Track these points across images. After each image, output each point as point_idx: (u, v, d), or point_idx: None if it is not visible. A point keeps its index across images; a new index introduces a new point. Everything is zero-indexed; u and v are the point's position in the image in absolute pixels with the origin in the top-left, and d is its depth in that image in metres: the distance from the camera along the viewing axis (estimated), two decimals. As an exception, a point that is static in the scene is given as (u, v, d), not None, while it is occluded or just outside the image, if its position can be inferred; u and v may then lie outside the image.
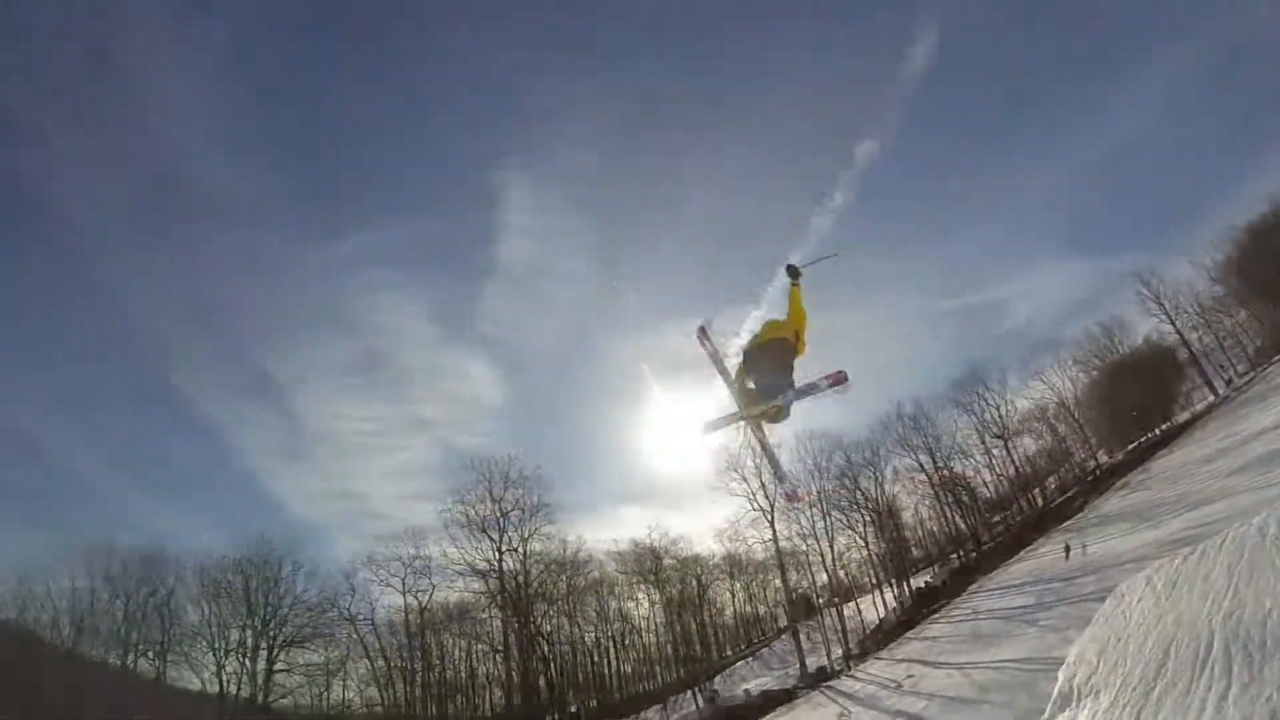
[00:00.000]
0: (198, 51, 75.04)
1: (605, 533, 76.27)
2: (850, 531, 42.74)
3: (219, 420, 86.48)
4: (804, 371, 5.90)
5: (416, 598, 36.78)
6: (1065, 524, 39.81)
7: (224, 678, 36.83)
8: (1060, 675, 7.81)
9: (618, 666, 40.85)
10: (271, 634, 36.23)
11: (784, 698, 35.32)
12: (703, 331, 6.12)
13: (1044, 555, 35.37)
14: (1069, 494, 47.41)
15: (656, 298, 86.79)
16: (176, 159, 77.79)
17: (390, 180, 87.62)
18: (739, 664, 42.45)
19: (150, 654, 36.95)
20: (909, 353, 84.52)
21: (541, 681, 38.54)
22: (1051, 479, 51.29)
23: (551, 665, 38.68)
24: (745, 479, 39.53)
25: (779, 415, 5.89)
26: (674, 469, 62.27)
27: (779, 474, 6.55)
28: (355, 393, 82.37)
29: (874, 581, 44.17)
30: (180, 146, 77.02)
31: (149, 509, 62.80)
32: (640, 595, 39.65)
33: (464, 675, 38.81)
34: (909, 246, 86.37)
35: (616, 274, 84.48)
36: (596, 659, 39.76)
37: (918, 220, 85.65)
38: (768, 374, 5.85)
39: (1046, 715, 7.67)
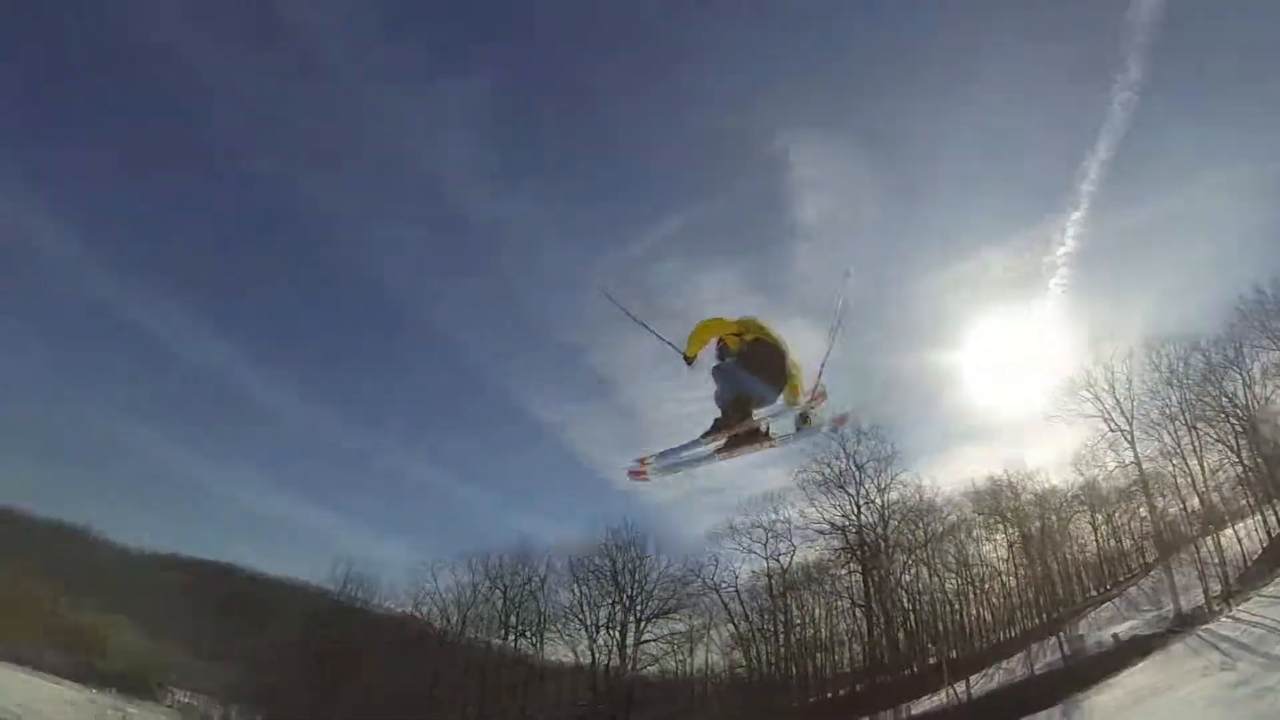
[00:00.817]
0: (457, 105, 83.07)
1: (954, 474, 73.70)
2: (1220, 445, 37.27)
3: (559, 423, 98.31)
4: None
5: (777, 560, 37.18)
6: None
7: (595, 651, 39.29)
8: None
9: (977, 614, 38.82)
10: (638, 608, 38.09)
11: (1154, 643, 31.40)
12: None
13: None
14: None
15: (961, 221, 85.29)
16: (461, 203, 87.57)
17: (667, 169, 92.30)
18: (1103, 606, 38.73)
19: (528, 634, 40.32)
20: (1242, 231, 71.79)
21: (900, 634, 37.47)
22: None
23: (911, 616, 37.49)
24: (1097, 396, 35.54)
25: (760, 440, 5.07)
26: (1014, 396, 59.72)
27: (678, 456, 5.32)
28: (682, 377, 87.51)
29: (1251, 503, 38.40)
30: (461, 192, 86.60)
31: (517, 512, 75.39)
32: (998, 537, 37.19)
33: (824, 632, 38.71)
34: (1217, 108, 73.18)
35: (913, 208, 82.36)
36: (955, 607, 37.98)
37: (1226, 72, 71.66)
38: (764, 380, 4.86)
39: None
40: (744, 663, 38.45)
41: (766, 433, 5.09)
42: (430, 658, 40.90)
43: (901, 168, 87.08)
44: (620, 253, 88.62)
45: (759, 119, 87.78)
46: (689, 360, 5.00)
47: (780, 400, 5.00)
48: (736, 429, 4.91)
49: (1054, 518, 37.28)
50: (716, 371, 4.99)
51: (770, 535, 37.14)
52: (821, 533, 35.98)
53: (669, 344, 5.20)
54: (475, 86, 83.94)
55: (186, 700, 52.48)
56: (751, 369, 4.77)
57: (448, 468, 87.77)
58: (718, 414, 4.96)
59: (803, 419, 5.17)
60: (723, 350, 5.11)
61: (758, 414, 4.96)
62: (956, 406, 73.75)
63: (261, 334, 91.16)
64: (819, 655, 38.74)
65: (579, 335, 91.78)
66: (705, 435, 5.00)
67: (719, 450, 5.12)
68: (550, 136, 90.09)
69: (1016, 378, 64.10)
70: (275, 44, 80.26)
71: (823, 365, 5.17)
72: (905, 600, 36.87)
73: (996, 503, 36.71)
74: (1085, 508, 38.00)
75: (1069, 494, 37.72)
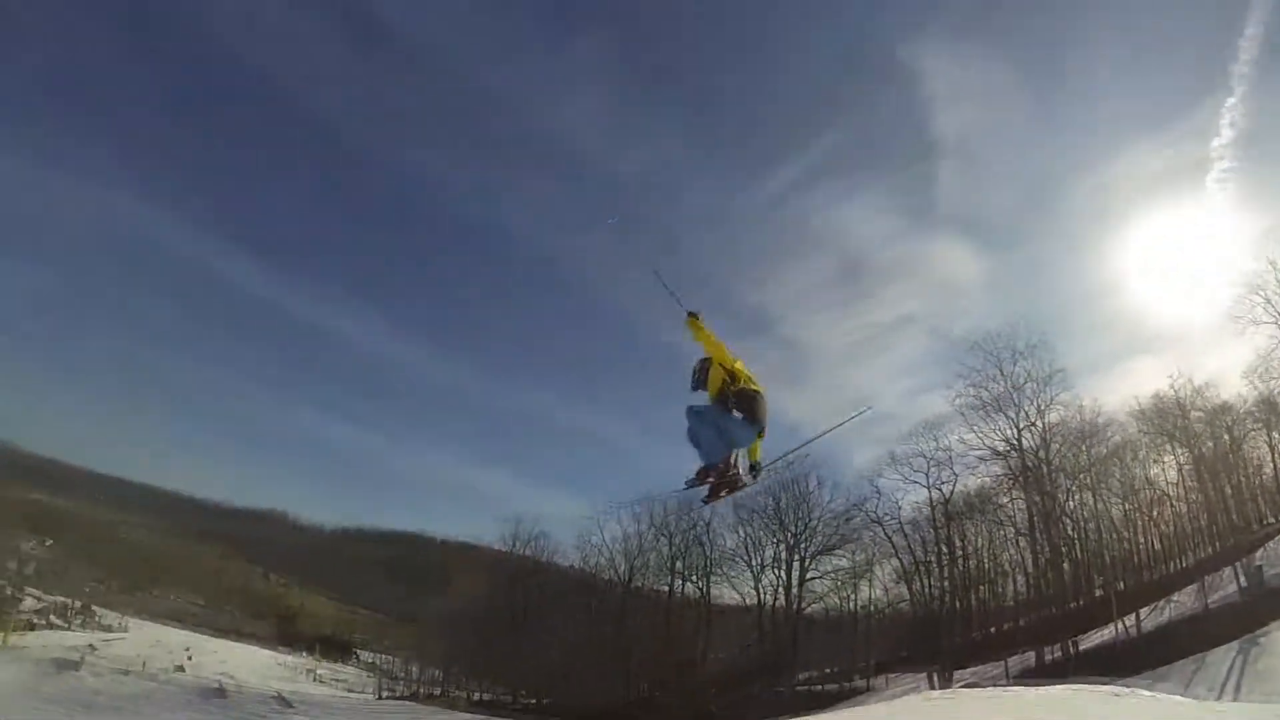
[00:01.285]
0: (577, 65, 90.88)
1: (1119, 390, 72.30)
2: None
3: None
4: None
5: (940, 489, 37.70)
6: None
7: (760, 591, 41.20)
8: None
9: (1146, 543, 38.34)
10: (803, 546, 39.76)
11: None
12: None
13: None
14: None
15: (1110, 117, 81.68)
16: (596, 160, 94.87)
17: (799, 99, 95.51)
18: (1285, 534, 37.29)
19: (694, 578, 42.58)
20: None
21: (1065, 564, 37.51)
22: None
23: (1076, 546, 37.53)
24: (1269, 301, 34.01)
25: (736, 483, 5.21)
26: (1180, 304, 56.04)
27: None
28: (839, 306, 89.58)
29: None
30: (595, 149, 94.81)
31: (676, 460, 78.99)
32: (1167, 459, 36.66)
33: (987, 563, 39.31)
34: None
35: (1056, 108, 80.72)
36: (1123, 536, 37.61)
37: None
38: (752, 431, 5.02)
39: None
40: (908, 596, 39.65)
41: (740, 477, 5.33)
42: (608, 607, 43.54)
43: (1040, 67, 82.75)
44: (763, 186, 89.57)
45: (887, 34, 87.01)
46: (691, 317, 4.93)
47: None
48: (720, 479, 5.14)
49: (1227, 437, 36.39)
50: (699, 413, 4.98)
51: (931, 464, 37.44)
52: (982, 459, 36.19)
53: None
54: (592, 43, 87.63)
55: (375, 660, 58.77)
56: (742, 419, 4.92)
57: (613, 420, 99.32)
58: (701, 463, 5.05)
59: (754, 470, 5.45)
60: (697, 379, 5.18)
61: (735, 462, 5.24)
62: (1120, 318, 70.96)
63: (430, 317, 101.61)
64: (982, 587, 39.31)
65: (735, 273, 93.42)
66: (690, 483, 5.20)
67: (704, 498, 5.39)
68: (676, 80, 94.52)
69: (1182, 284, 58.46)
70: (389, 43, 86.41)
71: (812, 440, 5.91)
72: (1069, 529, 36.87)
73: (1164, 422, 36.15)
74: (1261, 425, 36.74)
75: (1243, 410, 36.54)
